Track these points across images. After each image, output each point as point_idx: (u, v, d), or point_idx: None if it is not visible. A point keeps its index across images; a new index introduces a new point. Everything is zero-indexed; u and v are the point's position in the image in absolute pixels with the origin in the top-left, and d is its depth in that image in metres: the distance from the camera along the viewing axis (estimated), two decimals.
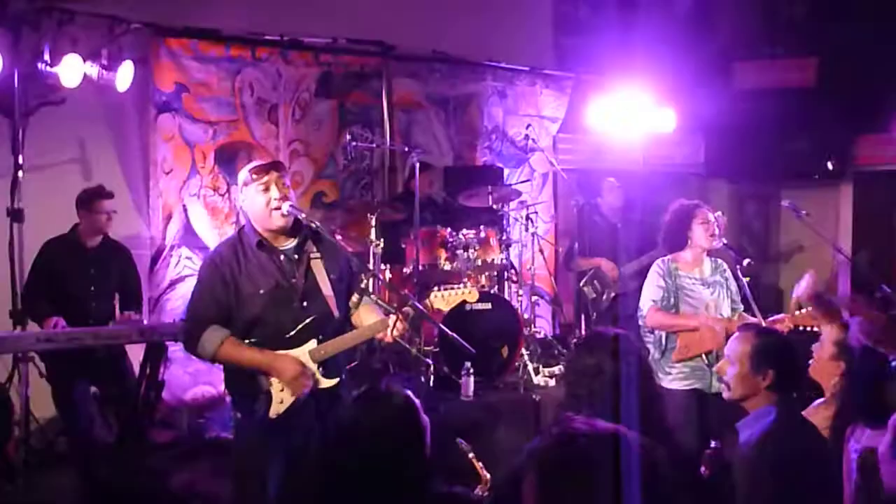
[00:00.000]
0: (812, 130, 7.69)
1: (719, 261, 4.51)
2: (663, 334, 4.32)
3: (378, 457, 2.13)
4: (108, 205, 4.85)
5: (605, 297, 6.24)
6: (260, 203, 3.25)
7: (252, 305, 3.24)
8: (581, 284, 6.40)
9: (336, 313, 3.34)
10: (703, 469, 2.90)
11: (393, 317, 3.29)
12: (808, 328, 4.11)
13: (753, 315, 4.34)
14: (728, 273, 4.49)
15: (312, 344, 3.26)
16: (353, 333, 3.38)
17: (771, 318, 4.19)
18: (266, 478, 3.28)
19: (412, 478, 2.16)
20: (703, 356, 4.23)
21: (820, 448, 2.77)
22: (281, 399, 3.23)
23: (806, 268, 8.07)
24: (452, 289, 3.45)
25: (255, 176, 3.26)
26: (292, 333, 3.25)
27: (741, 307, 4.45)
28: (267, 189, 3.24)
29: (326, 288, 3.31)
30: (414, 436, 2.22)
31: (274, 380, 3.22)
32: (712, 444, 2.96)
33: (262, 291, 3.24)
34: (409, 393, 2.30)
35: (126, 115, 5.88)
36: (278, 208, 3.24)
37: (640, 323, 4.40)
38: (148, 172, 5.91)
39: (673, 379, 4.26)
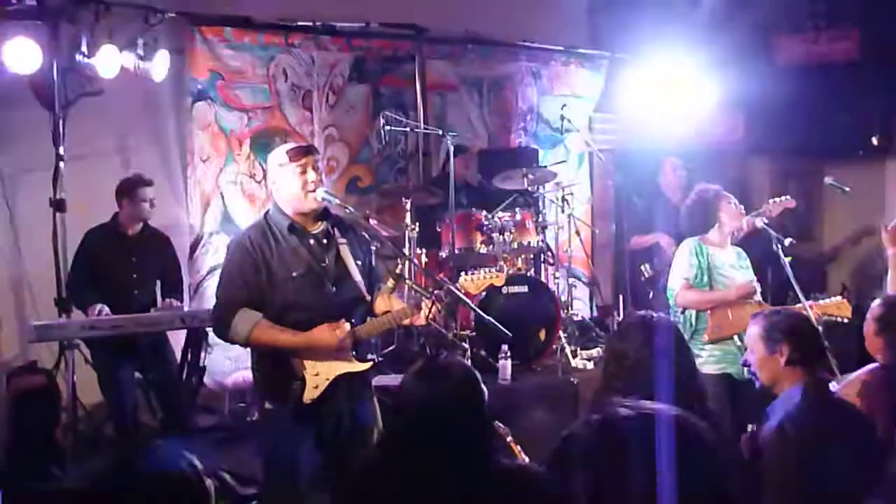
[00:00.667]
0: (856, 105, 7.48)
1: (740, 250, 4.47)
2: (693, 315, 4.25)
3: (444, 429, 2.12)
4: (149, 192, 4.91)
5: (663, 274, 6.11)
6: (296, 185, 3.26)
7: (285, 290, 3.25)
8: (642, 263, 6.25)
9: (367, 297, 3.36)
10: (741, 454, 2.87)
11: (426, 301, 3.30)
12: (836, 318, 4.09)
13: (796, 294, 4.26)
14: (748, 262, 4.46)
15: (345, 328, 3.27)
16: (384, 318, 3.40)
17: (797, 306, 4.14)
18: (298, 464, 3.31)
19: (478, 448, 2.14)
20: (736, 338, 4.18)
21: (851, 424, 2.72)
22: (315, 384, 3.25)
23: (866, 251, 7.92)
24: (480, 272, 3.45)
25: (292, 158, 3.27)
26: (324, 318, 3.25)
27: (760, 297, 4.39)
28: (304, 172, 3.25)
29: (355, 273, 3.33)
30: (477, 406, 2.20)
31: (308, 364, 3.24)
32: (749, 428, 2.93)
33: (294, 275, 3.25)
34: (468, 363, 2.30)
35: (163, 105, 5.95)
36: (314, 191, 3.25)
37: (671, 303, 4.34)
38: (185, 160, 5.98)
39: (704, 362, 4.16)
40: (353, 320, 3.30)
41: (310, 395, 3.25)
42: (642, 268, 6.16)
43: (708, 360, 4.20)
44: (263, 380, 3.39)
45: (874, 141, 7.54)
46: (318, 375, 3.26)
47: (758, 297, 4.29)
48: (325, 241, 3.35)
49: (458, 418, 2.14)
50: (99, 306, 4.65)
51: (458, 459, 2.09)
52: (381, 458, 2.24)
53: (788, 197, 5.18)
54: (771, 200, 5.20)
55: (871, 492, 2.54)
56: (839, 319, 4.12)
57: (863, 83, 7.42)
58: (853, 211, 7.77)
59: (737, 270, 4.34)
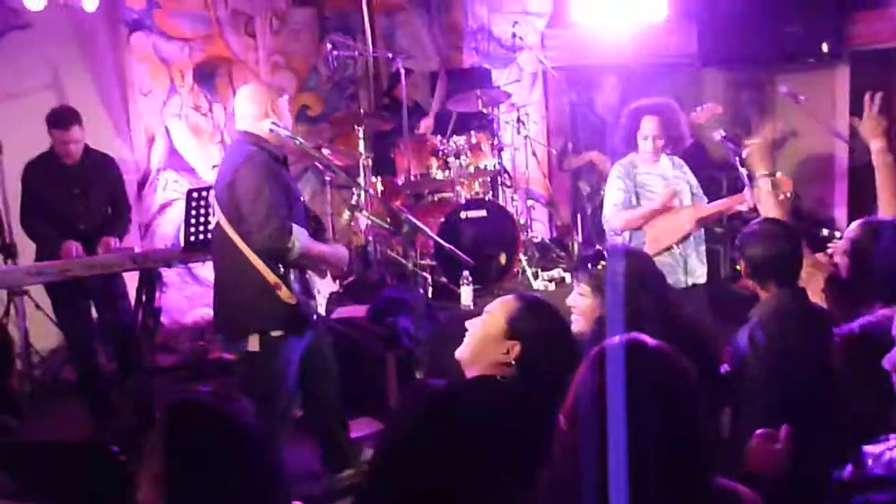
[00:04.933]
0: (807, 12, 7.44)
1: (676, 158, 4.46)
2: (627, 234, 4.29)
3: None
4: (60, 135, 4.50)
5: (599, 190, 6.15)
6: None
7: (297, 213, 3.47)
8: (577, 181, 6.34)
9: None
10: (724, 366, 2.88)
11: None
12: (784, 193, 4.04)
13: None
14: (686, 169, 4.46)
15: None
16: None
17: (734, 196, 4.24)
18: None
19: None
20: (675, 246, 4.23)
21: (820, 332, 2.77)
22: (319, 302, 3.62)
23: (802, 154, 8.07)
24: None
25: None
26: None
27: (704, 199, 4.43)
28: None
29: None
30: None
31: (317, 281, 3.55)
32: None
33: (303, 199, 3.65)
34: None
35: (97, 36, 5.68)
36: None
37: (606, 228, 4.36)
38: (126, 95, 5.74)
39: None
40: None
41: (318, 309, 3.56)
42: (580, 185, 6.22)
43: None
44: (277, 304, 3.36)
45: (824, 47, 7.53)
46: (320, 293, 3.55)
47: (685, 199, 4.32)
48: None
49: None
50: (72, 245, 4.42)
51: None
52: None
53: (715, 104, 5.22)
54: (698, 108, 5.22)
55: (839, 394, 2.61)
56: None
57: None
58: (805, 118, 7.81)
59: (668, 182, 4.33)
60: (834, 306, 2.93)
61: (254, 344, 3.36)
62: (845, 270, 2.99)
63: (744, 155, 3.69)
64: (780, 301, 2.81)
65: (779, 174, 3.89)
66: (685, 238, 4.26)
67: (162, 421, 1.54)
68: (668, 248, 4.25)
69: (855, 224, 3.07)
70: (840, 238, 3.22)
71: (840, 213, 7.21)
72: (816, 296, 3.00)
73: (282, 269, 3.35)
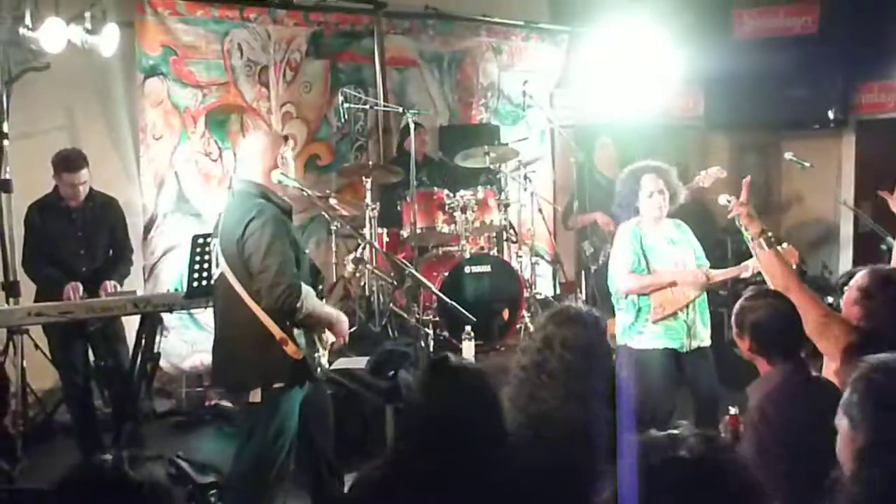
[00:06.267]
0: (813, 79, 7.55)
1: (679, 221, 4.46)
2: (635, 296, 4.27)
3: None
4: (68, 178, 4.51)
5: (602, 251, 6.16)
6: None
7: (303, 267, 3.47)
8: (582, 241, 6.34)
9: None
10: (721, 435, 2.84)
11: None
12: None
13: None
14: (689, 231, 4.46)
15: None
16: None
17: (739, 266, 4.21)
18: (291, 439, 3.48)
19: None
20: (680, 312, 4.21)
21: (832, 403, 2.71)
22: (322, 357, 3.54)
23: (807, 219, 8.07)
24: None
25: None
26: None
27: (706, 263, 4.40)
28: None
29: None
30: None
31: (322, 339, 3.52)
32: (731, 410, 2.91)
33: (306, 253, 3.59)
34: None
35: (113, 81, 5.77)
36: None
37: (612, 290, 4.35)
38: (137, 138, 5.80)
39: (647, 339, 4.22)
40: None
41: (320, 368, 3.53)
42: (583, 245, 6.24)
43: (651, 337, 4.23)
44: (282, 358, 3.35)
45: (830, 115, 7.61)
46: (324, 350, 3.54)
47: (689, 263, 4.31)
48: None
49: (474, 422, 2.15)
50: (72, 285, 4.41)
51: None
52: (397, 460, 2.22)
53: (719, 168, 5.22)
54: (702, 172, 5.24)
55: None
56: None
57: (821, 57, 7.47)
58: (810, 184, 7.86)
59: (673, 246, 4.33)
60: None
61: (255, 395, 3.34)
62: (857, 320, 2.95)
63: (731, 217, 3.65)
64: (787, 374, 2.76)
65: (786, 245, 3.90)
66: (690, 303, 4.25)
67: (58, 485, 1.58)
68: (674, 314, 4.23)
69: (863, 272, 3.05)
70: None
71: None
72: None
73: (288, 324, 3.33)
